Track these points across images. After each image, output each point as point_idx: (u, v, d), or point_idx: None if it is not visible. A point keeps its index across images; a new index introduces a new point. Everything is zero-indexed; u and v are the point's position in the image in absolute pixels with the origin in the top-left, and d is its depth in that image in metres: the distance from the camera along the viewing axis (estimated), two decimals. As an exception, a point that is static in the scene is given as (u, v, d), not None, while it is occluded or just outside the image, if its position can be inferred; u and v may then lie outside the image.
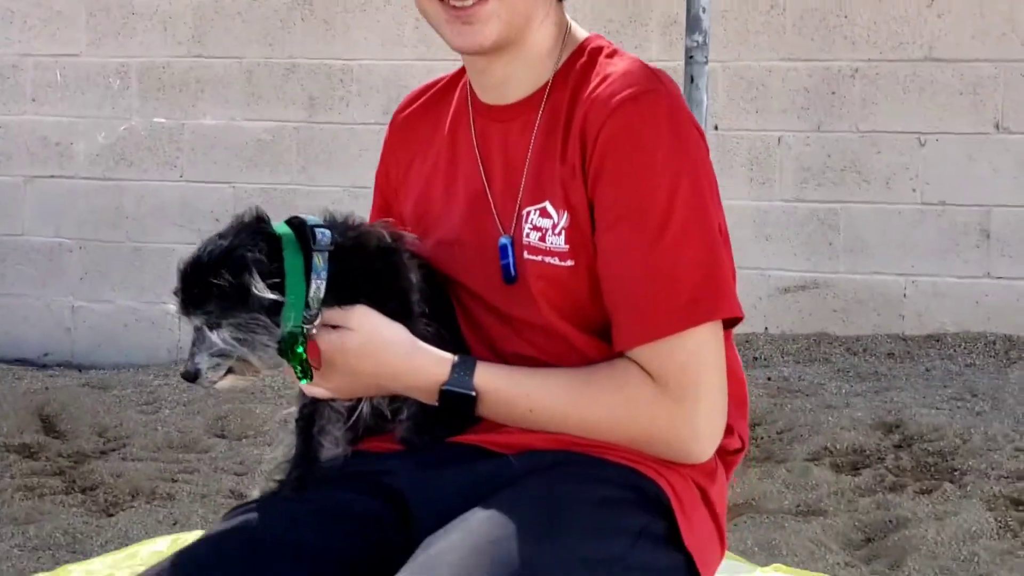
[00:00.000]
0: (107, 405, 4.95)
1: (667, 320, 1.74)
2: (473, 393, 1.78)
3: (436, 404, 1.78)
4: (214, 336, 1.72)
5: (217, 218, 5.79)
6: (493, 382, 1.79)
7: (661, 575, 1.75)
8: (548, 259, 1.80)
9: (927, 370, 4.92)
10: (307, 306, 1.76)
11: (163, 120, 5.98)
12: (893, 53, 5.21)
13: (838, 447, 4.15)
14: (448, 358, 1.79)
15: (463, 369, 1.79)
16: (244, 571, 1.68)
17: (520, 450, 1.78)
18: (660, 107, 1.75)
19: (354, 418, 1.84)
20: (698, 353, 1.76)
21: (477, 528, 1.63)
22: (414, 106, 2.02)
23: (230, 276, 1.70)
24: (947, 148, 5.19)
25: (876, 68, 5.23)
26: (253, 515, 1.77)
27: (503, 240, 1.83)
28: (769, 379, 4.83)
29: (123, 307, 6.02)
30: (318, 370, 1.77)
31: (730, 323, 1.82)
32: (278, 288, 1.72)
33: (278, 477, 1.84)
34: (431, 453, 1.81)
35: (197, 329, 1.72)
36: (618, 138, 1.75)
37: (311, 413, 1.85)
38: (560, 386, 1.80)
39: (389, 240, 1.83)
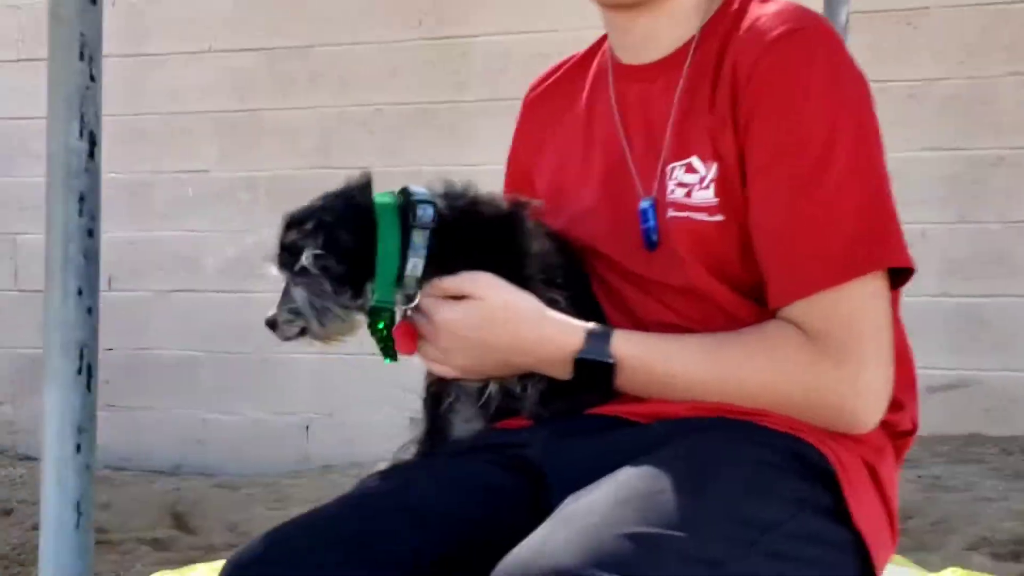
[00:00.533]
0: (237, 503, 4.89)
1: (826, 272, 1.58)
2: (611, 360, 1.64)
3: (570, 377, 1.64)
4: (293, 293, 1.69)
5: (344, 327, 5.75)
6: (632, 348, 1.64)
7: (827, 549, 1.56)
8: (695, 215, 1.66)
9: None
10: (401, 284, 1.66)
11: (291, 231, 5.96)
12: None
13: (997, 538, 3.92)
14: (581, 325, 1.65)
15: (599, 336, 1.65)
16: (366, 533, 1.57)
17: (663, 419, 1.62)
18: (817, 43, 1.63)
19: (484, 398, 1.72)
20: (862, 308, 1.58)
21: (626, 482, 1.46)
22: (545, 84, 1.93)
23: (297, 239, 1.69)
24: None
25: (1021, 156, 5.04)
26: (378, 482, 1.68)
27: (644, 203, 1.70)
28: (920, 477, 4.61)
29: (252, 419, 5.97)
30: (409, 354, 1.65)
31: (899, 281, 1.64)
32: (364, 263, 1.65)
33: (405, 455, 1.74)
34: (567, 424, 1.65)
35: (285, 283, 1.70)
36: (772, 77, 1.62)
37: (438, 392, 1.73)
38: (705, 350, 1.64)
39: (506, 207, 1.72)
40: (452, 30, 5.65)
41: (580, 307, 1.69)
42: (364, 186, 1.74)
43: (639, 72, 1.79)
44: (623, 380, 1.65)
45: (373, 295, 1.69)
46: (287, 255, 1.74)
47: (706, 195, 1.66)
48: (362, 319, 1.72)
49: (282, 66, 5.91)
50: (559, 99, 1.90)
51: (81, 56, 1.91)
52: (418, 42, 5.67)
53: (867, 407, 1.62)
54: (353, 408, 5.74)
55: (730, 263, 1.66)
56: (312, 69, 5.85)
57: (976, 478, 4.59)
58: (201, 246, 6.08)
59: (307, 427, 5.85)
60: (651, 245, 1.71)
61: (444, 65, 5.67)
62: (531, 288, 1.67)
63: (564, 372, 1.65)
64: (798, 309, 1.61)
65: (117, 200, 6.14)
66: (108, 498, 4.99)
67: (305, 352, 5.77)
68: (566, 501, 1.46)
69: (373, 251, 1.68)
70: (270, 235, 5.89)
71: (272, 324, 1.75)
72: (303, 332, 1.74)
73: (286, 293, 1.73)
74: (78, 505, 1.89)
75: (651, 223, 1.70)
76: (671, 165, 1.70)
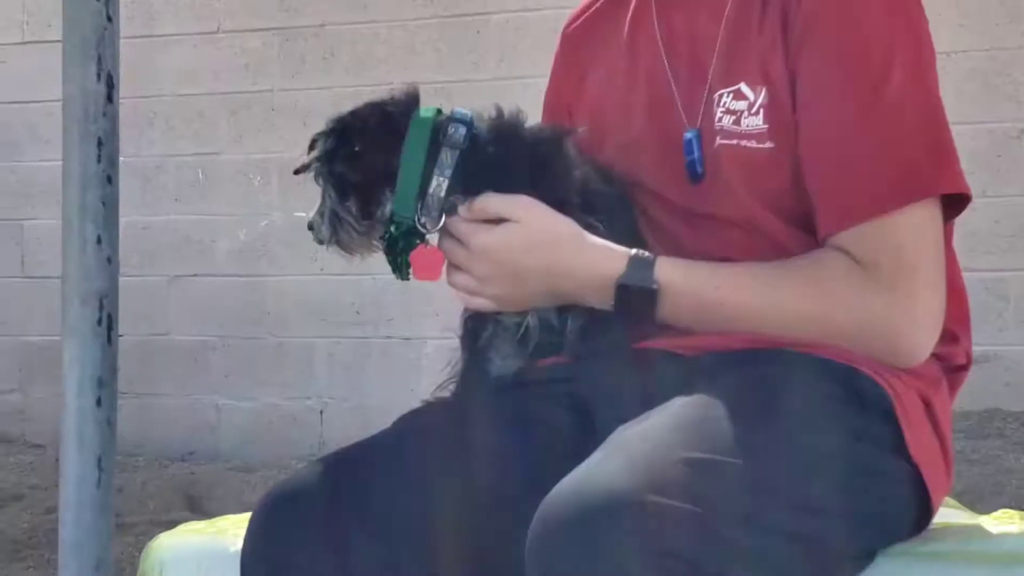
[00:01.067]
0: (252, 485, 4.84)
1: (879, 197, 1.54)
2: (655, 286, 1.58)
3: (611, 306, 1.58)
4: (326, 197, 1.67)
5: (358, 311, 5.70)
6: (677, 274, 1.59)
7: (885, 482, 1.52)
8: (744, 142, 1.61)
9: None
10: (424, 204, 1.62)
11: (303, 214, 5.91)
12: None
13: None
14: (624, 251, 1.59)
15: (642, 262, 1.59)
16: (419, 466, 1.54)
17: (713, 352, 1.57)
18: None
19: (521, 332, 1.65)
20: (916, 235, 1.55)
21: (680, 411, 1.42)
22: (584, 17, 1.88)
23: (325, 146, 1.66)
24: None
25: (1043, 128, 4.99)
26: (423, 418, 1.64)
27: (688, 134, 1.64)
28: (942, 452, 4.59)
29: (267, 404, 5.92)
30: (430, 280, 1.61)
31: (952, 211, 1.60)
32: (385, 174, 1.62)
33: (442, 393, 1.69)
34: (613, 359, 1.60)
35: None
36: None
37: (475, 327, 1.67)
38: (754, 277, 1.59)
39: (548, 133, 1.66)
40: (466, 7, 5.60)
41: (621, 237, 1.64)
42: (405, 99, 1.69)
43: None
44: (668, 309, 1.59)
45: (395, 212, 1.66)
46: (315, 160, 1.74)
47: (756, 121, 1.62)
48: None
49: (294, 46, 5.86)
50: (600, 30, 1.85)
51: (97, -5, 1.86)
52: (432, 20, 5.62)
53: (919, 337, 1.59)
54: (368, 392, 5.70)
55: (780, 192, 1.62)
56: (325, 48, 5.80)
57: (998, 452, 4.54)
58: (214, 230, 6.04)
59: (321, 411, 5.81)
60: (695, 177, 1.66)
61: (459, 43, 5.62)
62: (568, 213, 1.62)
63: (606, 300, 1.59)
64: (849, 237, 1.57)
65: (128, 184, 6.09)
66: (121, 483, 4.95)
67: (320, 336, 5.74)
68: (617, 431, 1.42)
69: (397, 164, 1.63)
70: (282, 219, 5.82)
71: (310, 226, 1.74)
72: (335, 240, 1.71)
73: (321, 196, 1.72)
74: (99, 461, 1.85)
75: (696, 154, 1.66)
76: (719, 92, 1.65)
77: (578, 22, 1.90)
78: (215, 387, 6.01)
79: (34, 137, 6.10)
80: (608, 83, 1.81)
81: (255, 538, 1.55)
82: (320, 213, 1.70)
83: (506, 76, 5.39)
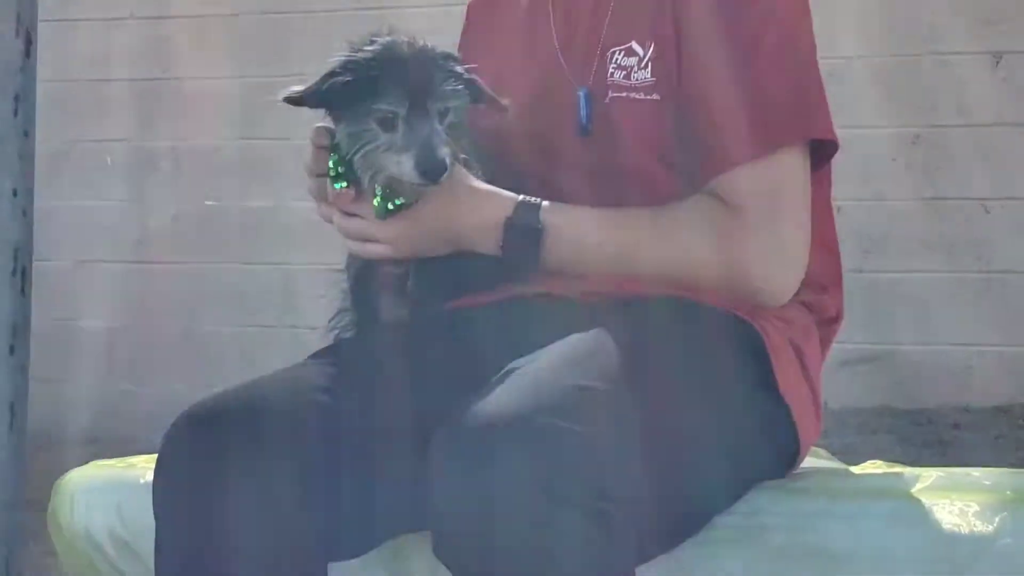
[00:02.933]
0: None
1: (747, 145, 1.65)
2: (539, 226, 1.68)
3: (499, 250, 1.67)
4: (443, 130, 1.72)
5: (265, 300, 5.73)
6: (560, 217, 1.69)
7: (759, 418, 1.62)
8: (633, 94, 1.72)
9: (996, 438, 4.75)
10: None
11: (213, 203, 5.94)
12: (958, 118, 5.12)
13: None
14: (511, 196, 1.68)
15: (529, 205, 1.70)
16: (315, 397, 1.63)
17: (595, 295, 1.66)
18: None
19: (407, 281, 1.76)
20: (782, 180, 1.65)
21: (571, 345, 1.51)
22: None
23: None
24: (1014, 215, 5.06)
25: (938, 133, 5.13)
26: (326, 355, 1.74)
27: (580, 91, 1.73)
28: (830, 444, 4.67)
29: (173, 391, 5.92)
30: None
31: (823, 159, 1.70)
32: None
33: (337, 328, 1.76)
34: (506, 302, 1.70)
35: (430, 118, 1.72)
36: None
37: (362, 275, 1.75)
38: (631, 219, 1.70)
39: None
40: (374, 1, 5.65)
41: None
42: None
43: None
44: (551, 251, 1.68)
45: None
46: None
47: (644, 75, 1.73)
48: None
49: (208, 35, 5.88)
50: (500, 4, 1.94)
51: (15, -50, 1.90)
52: (346, 12, 5.66)
53: (781, 278, 1.69)
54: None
55: (667, 142, 1.71)
56: (239, 37, 5.83)
57: (887, 445, 4.66)
58: (123, 216, 6.03)
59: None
60: (585, 132, 1.76)
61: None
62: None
63: (494, 242, 1.68)
64: (723, 183, 1.67)
65: (36, 169, 6.08)
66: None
67: (230, 325, 5.75)
68: (508, 366, 1.49)
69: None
70: (193, 206, 5.78)
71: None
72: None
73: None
74: (12, 406, 1.89)
75: (584, 111, 1.74)
76: (611, 50, 1.75)
77: None
78: (123, 374, 6.00)
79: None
80: (508, 51, 1.90)
81: (168, 457, 1.59)
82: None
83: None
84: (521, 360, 1.49)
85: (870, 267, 5.12)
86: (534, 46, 1.86)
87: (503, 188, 1.73)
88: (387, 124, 1.66)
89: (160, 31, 5.92)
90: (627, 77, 1.73)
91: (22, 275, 1.86)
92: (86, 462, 4.97)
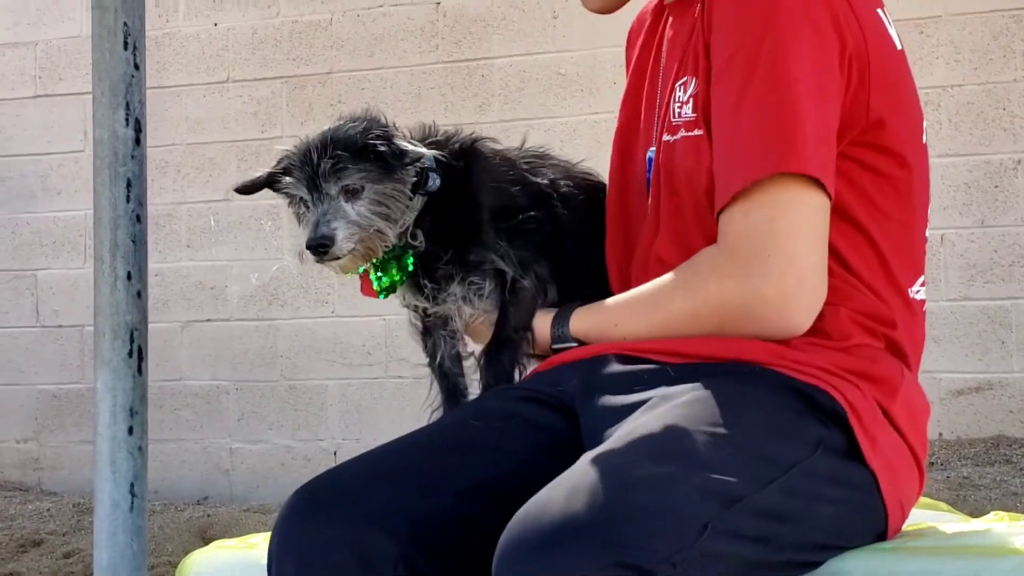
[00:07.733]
0: (267, 525, 4.88)
1: (734, 179, 1.65)
2: (574, 344, 1.81)
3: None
4: (350, 207, 1.78)
5: (369, 351, 5.77)
6: (585, 324, 1.80)
7: (846, 489, 1.59)
8: (679, 134, 1.75)
9: (1117, 467, 4.66)
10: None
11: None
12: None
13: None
14: (546, 316, 1.83)
15: (561, 322, 1.81)
16: (420, 469, 1.67)
17: (680, 357, 1.69)
18: None
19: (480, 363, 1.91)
20: (770, 215, 1.63)
21: (643, 424, 1.54)
22: (646, 23, 1.99)
23: (383, 140, 1.78)
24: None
25: (1039, 158, 5.07)
26: (430, 427, 1.81)
27: (650, 153, 1.81)
28: (948, 477, 4.62)
29: (279, 446, 5.98)
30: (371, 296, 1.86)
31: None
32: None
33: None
34: (595, 368, 1.76)
35: (329, 199, 1.78)
36: None
37: (450, 374, 1.93)
38: (642, 301, 1.76)
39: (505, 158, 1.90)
40: (469, 52, 5.70)
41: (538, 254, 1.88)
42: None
43: (674, 8, 1.88)
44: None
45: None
46: (342, 165, 1.87)
47: (687, 111, 1.75)
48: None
49: (302, 93, 5.96)
50: (645, 33, 1.98)
51: (125, 45, 1.95)
52: (436, 66, 5.72)
53: (782, 315, 1.66)
54: (381, 432, 5.74)
55: (710, 176, 1.73)
56: (332, 95, 5.91)
57: (1005, 477, 4.60)
58: (226, 275, 6.12)
59: (335, 452, 5.86)
60: (648, 185, 1.83)
61: (463, 87, 5.72)
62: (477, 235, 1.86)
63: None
64: (722, 220, 1.68)
65: (141, 233, 6.18)
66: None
67: (332, 378, 5.80)
68: (583, 457, 1.52)
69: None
70: (292, 263, 5.85)
71: (329, 239, 1.87)
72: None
73: (332, 209, 1.86)
74: (132, 487, 1.92)
75: (649, 174, 1.82)
76: (675, 84, 1.79)
77: (637, 20, 2.04)
78: (228, 431, 6.08)
79: (46, 188, 6.19)
80: (632, 90, 1.96)
81: (281, 535, 1.63)
82: (352, 222, 1.85)
83: (511, 118, 5.49)
84: (593, 451, 1.52)
85: (976, 295, 5.06)
86: (650, 85, 1.92)
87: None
88: (303, 208, 1.85)
89: (256, 93, 6.02)
90: (678, 115, 1.76)
91: (138, 356, 1.89)
92: (196, 522, 5.04)
